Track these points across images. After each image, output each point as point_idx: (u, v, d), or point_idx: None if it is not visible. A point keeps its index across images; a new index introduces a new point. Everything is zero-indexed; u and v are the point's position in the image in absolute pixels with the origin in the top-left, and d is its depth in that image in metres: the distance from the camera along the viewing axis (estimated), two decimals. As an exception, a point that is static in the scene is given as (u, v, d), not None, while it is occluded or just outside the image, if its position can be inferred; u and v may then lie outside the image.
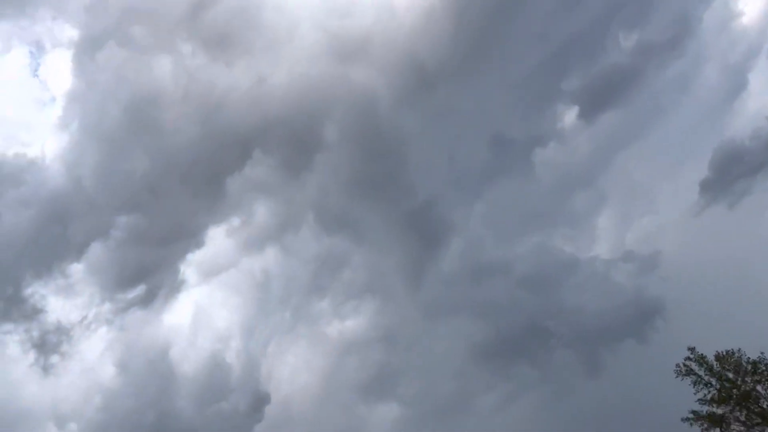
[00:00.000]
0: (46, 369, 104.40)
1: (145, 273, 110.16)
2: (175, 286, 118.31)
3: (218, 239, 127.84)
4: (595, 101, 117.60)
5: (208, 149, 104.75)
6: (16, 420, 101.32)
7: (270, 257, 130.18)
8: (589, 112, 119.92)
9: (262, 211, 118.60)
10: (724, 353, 34.48)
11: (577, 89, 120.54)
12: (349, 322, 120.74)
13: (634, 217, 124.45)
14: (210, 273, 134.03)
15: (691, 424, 34.76)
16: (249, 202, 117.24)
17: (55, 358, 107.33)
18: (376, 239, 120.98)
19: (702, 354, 35.07)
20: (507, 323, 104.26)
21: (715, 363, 34.63)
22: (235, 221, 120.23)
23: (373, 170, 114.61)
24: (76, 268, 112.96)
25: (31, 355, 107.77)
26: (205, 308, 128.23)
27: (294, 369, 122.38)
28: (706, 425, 34.02)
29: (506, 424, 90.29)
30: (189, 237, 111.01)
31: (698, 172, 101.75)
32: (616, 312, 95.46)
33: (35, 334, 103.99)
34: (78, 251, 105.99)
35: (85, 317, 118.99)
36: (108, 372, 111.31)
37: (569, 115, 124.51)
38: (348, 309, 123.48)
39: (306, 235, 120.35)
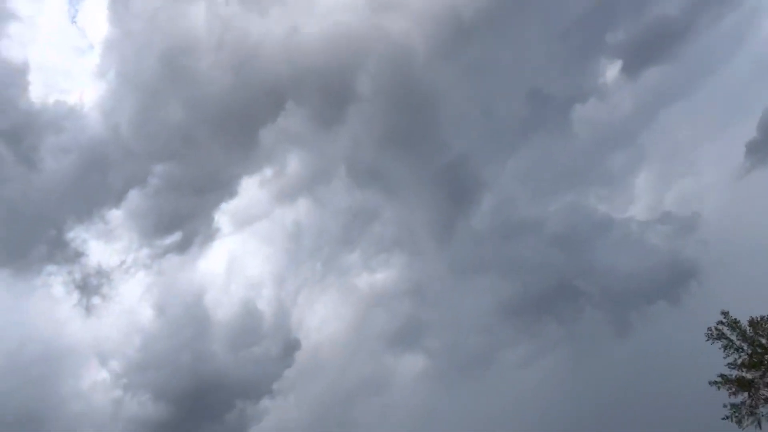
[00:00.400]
0: (88, 309, 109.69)
1: (181, 221, 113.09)
2: (210, 234, 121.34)
3: (251, 190, 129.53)
4: (641, 55, 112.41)
5: (241, 99, 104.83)
6: (63, 355, 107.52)
7: (302, 209, 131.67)
8: (633, 67, 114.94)
9: (294, 163, 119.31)
10: (759, 319, 33.43)
11: (622, 42, 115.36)
12: (378, 275, 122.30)
13: (674, 177, 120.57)
14: (243, 222, 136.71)
15: (718, 388, 34.21)
16: (282, 154, 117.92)
17: (96, 300, 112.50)
18: (407, 194, 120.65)
19: (735, 319, 34.12)
20: (536, 281, 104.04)
21: (748, 328, 33.66)
22: (268, 172, 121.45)
23: (406, 124, 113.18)
24: (116, 214, 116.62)
25: (75, 296, 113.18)
26: (239, 256, 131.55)
27: (323, 318, 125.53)
28: (734, 389, 33.39)
29: (530, 380, 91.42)
30: (223, 187, 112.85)
31: (745, 132, 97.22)
32: (649, 274, 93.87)
33: (77, 276, 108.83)
34: (117, 198, 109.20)
35: (124, 261, 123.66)
36: (146, 314, 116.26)
37: (612, 70, 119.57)
38: (377, 262, 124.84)
39: (337, 187, 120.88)
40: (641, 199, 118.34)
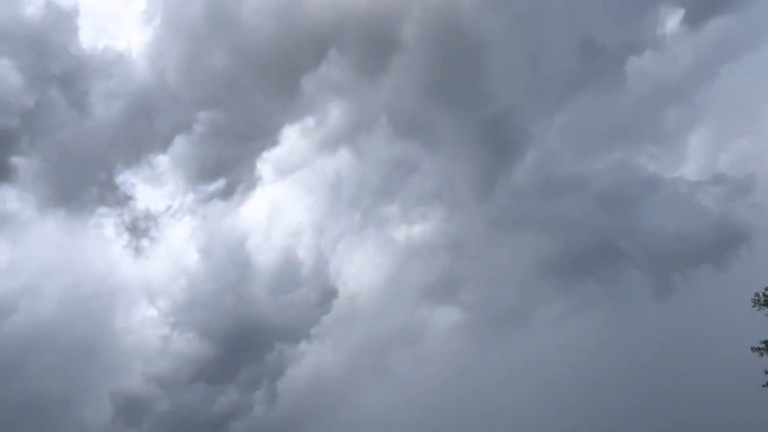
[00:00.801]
0: (137, 251, 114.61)
1: (225, 168, 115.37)
2: (252, 182, 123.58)
3: (293, 139, 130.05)
4: (704, 5, 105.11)
5: (284, 47, 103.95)
6: (114, 293, 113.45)
7: (342, 159, 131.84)
8: (695, 17, 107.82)
9: (336, 113, 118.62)
10: (809, 285, 32.00)
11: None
12: (416, 228, 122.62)
13: (731, 137, 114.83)
14: (285, 171, 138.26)
15: (761, 354, 33.27)
16: (323, 103, 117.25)
17: (145, 242, 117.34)
18: (449, 146, 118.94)
19: (785, 285, 32.76)
20: (576, 240, 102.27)
21: (797, 295, 32.33)
22: (310, 121, 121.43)
23: (451, 75, 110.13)
24: (162, 160, 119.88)
25: (125, 237, 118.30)
26: (280, 205, 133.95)
27: (361, 268, 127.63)
28: (777, 356, 32.47)
29: (565, 338, 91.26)
30: (265, 135, 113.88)
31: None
32: (696, 236, 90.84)
33: (127, 218, 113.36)
34: (163, 143, 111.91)
35: (170, 206, 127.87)
36: (192, 257, 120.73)
37: (672, 20, 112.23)
38: (416, 215, 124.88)
39: (378, 138, 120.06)
40: (694, 158, 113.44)
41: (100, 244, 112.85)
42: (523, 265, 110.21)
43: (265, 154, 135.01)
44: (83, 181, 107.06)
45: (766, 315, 33.25)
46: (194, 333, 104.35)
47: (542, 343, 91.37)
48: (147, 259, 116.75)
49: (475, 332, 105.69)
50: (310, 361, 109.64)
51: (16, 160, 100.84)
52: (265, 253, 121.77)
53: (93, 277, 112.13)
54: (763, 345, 33.28)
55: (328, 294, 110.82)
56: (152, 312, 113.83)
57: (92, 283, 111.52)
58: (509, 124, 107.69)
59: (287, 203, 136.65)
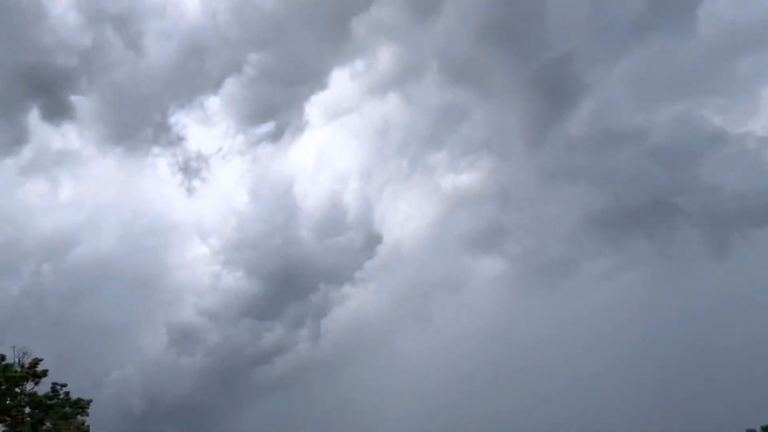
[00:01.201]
0: (190, 191, 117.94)
1: (274, 111, 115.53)
2: (300, 126, 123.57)
3: (342, 82, 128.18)
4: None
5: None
6: (169, 230, 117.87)
7: (391, 104, 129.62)
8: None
9: (386, 56, 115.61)
10: None
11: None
12: (463, 177, 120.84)
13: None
14: (333, 115, 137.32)
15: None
16: (373, 46, 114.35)
17: (196, 182, 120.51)
18: (501, 93, 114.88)
19: None
20: (630, 194, 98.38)
21: None
22: (359, 65, 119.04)
23: (506, 18, 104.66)
24: (214, 101, 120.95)
25: (178, 177, 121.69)
26: (327, 149, 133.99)
27: (406, 215, 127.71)
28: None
29: (613, 294, 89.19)
30: (314, 78, 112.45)
31: None
32: (761, 195, 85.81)
33: (180, 159, 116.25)
34: (215, 85, 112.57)
35: (221, 148, 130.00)
36: (241, 198, 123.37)
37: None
38: (464, 163, 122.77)
39: (429, 83, 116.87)
40: (765, 113, 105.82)
41: (155, 183, 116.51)
42: (572, 217, 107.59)
43: (314, 98, 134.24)
44: (138, 121, 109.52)
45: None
46: (243, 271, 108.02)
47: (589, 299, 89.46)
48: (199, 198, 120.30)
49: (519, 284, 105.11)
50: (353, 304, 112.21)
51: (76, 99, 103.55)
52: (311, 197, 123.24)
53: (149, 214, 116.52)
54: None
55: (373, 239, 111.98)
56: (204, 250, 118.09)
57: (148, 220, 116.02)
58: (566, 71, 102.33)
59: (334, 148, 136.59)
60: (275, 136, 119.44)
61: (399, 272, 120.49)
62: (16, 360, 25.55)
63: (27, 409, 25.18)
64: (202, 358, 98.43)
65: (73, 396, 26.50)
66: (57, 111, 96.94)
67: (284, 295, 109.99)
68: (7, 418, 24.64)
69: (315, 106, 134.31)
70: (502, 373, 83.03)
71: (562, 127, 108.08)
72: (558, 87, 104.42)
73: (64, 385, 26.38)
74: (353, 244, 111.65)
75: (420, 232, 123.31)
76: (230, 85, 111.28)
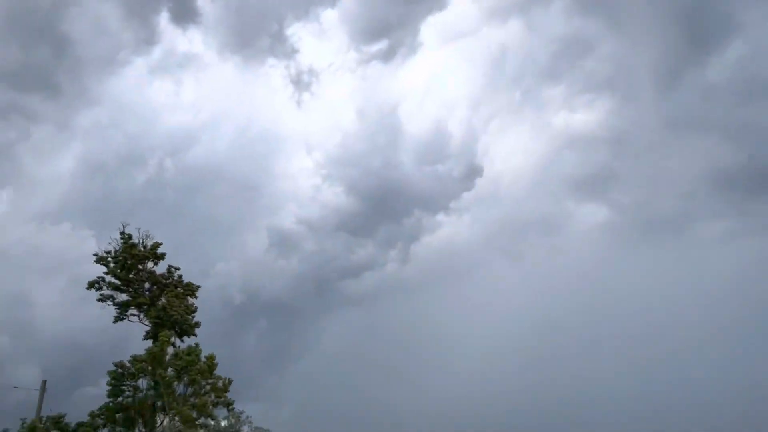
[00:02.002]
0: (299, 104, 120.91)
1: (389, 29, 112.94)
2: (414, 47, 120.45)
3: (462, 4, 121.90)
4: None
5: None
6: (277, 141, 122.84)
7: (511, 30, 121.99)
8: None
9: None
10: None
11: None
12: (578, 116, 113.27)
13: None
14: (448, 38, 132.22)
15: None
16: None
17: (306, 96, 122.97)
18: (635, 28, 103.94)
19: None
20: (766, 154, 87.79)
21: None
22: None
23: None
24: (330, 15, 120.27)
25: (290, 89, 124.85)
26: (438, 73, 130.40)
27: (511, 150, 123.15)
28: None
29: (730, 260, 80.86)
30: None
31: None
32: None
33: (293, 71, 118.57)
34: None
35: (332, 63, 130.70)
36: (348, 116, 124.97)
37: None
38: (581, 101, 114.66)
39: (556, 10, 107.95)
40: None
41: (268, 93, 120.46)
42: (694, 172, 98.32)
43: (431, 18, 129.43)
44: (257, 30, 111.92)
45: None
46: (342, 187, 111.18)
47: (702, 263, 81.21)
48: (307, 112, 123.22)
49: (623, 236, 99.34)
50: (445, 233, 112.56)
51: (202, 4, 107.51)
52: (416, 121, 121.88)
53: (260, 122, 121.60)
54: None
55: (473, 171, 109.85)
56: (308, 162, 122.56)
57: (259, 128, 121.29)
58: (715, 7, 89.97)
59: (445, 72, 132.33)
60: (387, 56, 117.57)
61: (495, 207, 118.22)
62: (140, 241, 28.21)
63: (146, 285, 28.05)
64: (296, 263, 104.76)
65: (185, 280, 29.02)
66: (185, 14, 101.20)
67: (379, 216, 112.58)
68: (129, 289, 27.68)
69: (431, 27, 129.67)
70: (591, 328, 79.62)
71: (700, 72, 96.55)
72: (703, 25, 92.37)
73: (178, 269, 28.94)
74: (452, 173, 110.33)
75: (523, 168, 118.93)
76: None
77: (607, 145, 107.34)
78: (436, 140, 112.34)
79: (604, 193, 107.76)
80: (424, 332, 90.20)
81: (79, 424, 24.89)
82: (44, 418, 24.84)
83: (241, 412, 40.52)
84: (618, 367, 70.23)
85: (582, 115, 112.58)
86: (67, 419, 25.23)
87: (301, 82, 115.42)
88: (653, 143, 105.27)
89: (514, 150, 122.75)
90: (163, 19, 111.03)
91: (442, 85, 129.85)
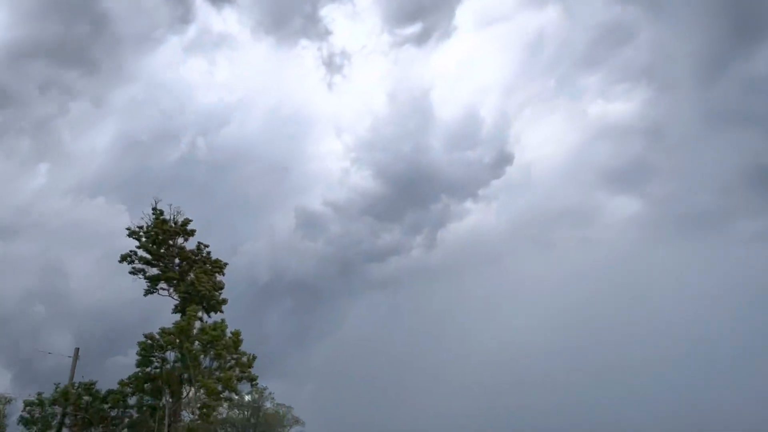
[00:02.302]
0: (330, 86, 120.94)
1: (423, 11, 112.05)
2: (448, 31, 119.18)
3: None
4: None
5: None
6: (307, 122, 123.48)
7: (549, 16, 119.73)
8: None
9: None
10: None
11: None
12: (615, 105, 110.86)
13: None
14: (483, 22, 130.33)
15: None
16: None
17: (338, 78, 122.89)
18: (678, 15, 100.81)
19: None
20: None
21: None
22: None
23: None
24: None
25: (321, 71, 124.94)
26: (471, 58, 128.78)
27: (543, 138, 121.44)
28: None
29: (765, 258, 78.81)
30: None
31: None
32: None
33: (325, 53, 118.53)
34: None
35: (365, 46, 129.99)
36: (378, 99, 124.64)
37: None
38: (618, 91, 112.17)
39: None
40: None
41: (299, 75, 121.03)
42: (734, 167, 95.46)
43: (467, 2, 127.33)
44: (291, 11, 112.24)
45: None
46: (370, 171, 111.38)
47: (740, 262, 78.80)
48: (338, 94, 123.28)
49: (656, 230, 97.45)
50: (473, 220, 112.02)
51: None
52: (447, 106, 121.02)
53: (292, 103, 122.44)
54: None
55: (503, 158, 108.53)
56: (337, 145, 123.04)
57: (290, 110, 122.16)
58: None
59: (479, 58, 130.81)
60: (420, 39, 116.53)
61: (525, 195, 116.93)
62: (171, 217, 28.74)
63: (176, 260, 28.63)
64: (323, 245, 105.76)
65: (213, 257, 29.51)
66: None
67: (406, 201, 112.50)
68: (160, 264, 28.30)
69: (466, 11, 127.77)
70: (620, 321, 78.51)
71: (746, 63, 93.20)
72: (752, 15, 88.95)
73: (207, 246, 29.43)
74: (482, 160, 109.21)
75: (555, 157, 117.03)
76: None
77: (642, 136, 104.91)
78: (468, 126, 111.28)
79: (638, 185, 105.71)
80: (448, 318, 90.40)
81: (110, 392, 25.75)
82: (77, 384, 25.73)
83: (264, 388, 41.40)
84: (646, 362, 69.15)
85: (618, 105, 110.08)
86: (97, 386, 26.12)
87: (333, 64, 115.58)
88: (691, 135, 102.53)
89: (547, 138, 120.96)
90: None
91: (476, 70, 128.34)
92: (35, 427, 25.66)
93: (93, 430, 26.03)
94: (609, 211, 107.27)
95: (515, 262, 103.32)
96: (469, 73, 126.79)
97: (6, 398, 22.99)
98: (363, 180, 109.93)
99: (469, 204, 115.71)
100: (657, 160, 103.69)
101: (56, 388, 25.61)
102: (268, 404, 41.18)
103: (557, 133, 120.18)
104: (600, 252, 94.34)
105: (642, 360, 69.66)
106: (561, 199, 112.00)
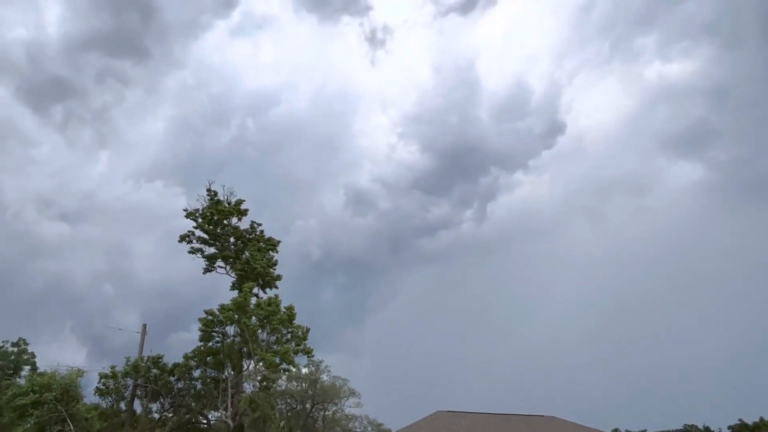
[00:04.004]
0: (373, 62, 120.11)
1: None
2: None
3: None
4: None
5: None
6: (353, 99, 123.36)
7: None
8: None
9: None
10: None
11: None
12: (673, 66, 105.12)
13: None
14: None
15: None
16: None
17: (381, 53, 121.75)
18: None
19: None
20: None
21: None
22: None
23: None
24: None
25: (364, 48, 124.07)
26: (519, 24, 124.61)
27: (597, 105, 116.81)
28: None
29: None
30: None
31: None
32: None
33: (367, 29, 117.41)
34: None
35: (407, 20, 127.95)
36: (423, 72, 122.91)
37: None
38: (677, 50, 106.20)
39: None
40: None
41: (343, 52, 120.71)
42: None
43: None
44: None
45: None
46: (417, 145, 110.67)
47: None
48: (382, 70, 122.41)
49: (721, 196, 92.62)
50: (523, 192, 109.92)
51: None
52: (495, 76, 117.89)
53: (337, 81, 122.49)
54: None
55: (555, 128, 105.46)
56: (383, 120, 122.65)
57: (336, 87, 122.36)
58: None
59: (527, 23, 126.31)
60: (465, 7, 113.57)
61: (578, 165, 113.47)
62: (225, 197, 29.64)
63: (231, 239, 29.59)
64: (372, 221, 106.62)
65: (266, 235, 30.32)
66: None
67: (454, 174, 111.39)
68: (216, 243, 29.35)
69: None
70: (681, 296, 75.62)
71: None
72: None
73: (260, 224, 30.26)
74: (533, 130, 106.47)
75: (610, 124, 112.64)
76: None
77: (704, 97, 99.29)
78: (516, 96, 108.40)
79: (700, 149, 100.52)
80: (499, 290, 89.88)
81: (176, 365, 27.17)
82: (145, 358, 27.26)
83: (321, 361, 42.54)
84: (710, 342, 66.37)
85: (677, 65, 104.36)
86: (164, 360, 27.60)
87: (375, 40, 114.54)
88: (757, 96, 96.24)
89: (601, 105, 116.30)
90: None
91: (524, 37, 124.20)
92: (110, 398, 27.47)
93: (162, 400, 27.65)
94: (669, 178, 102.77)
95: (567, 234, 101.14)
96: (517, 40, 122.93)
97: (80, 371, 24.66)
98: (410, 154, 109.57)
99: (519, 175, 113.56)
100: (721, 123, 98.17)
101: (127, 361, 27.18)
102: (324, 377, 42.34)
103: (612, 99, 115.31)
104: (659, 221, 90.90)
105: (704, 337, 67.19)
106: (617, 167, 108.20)
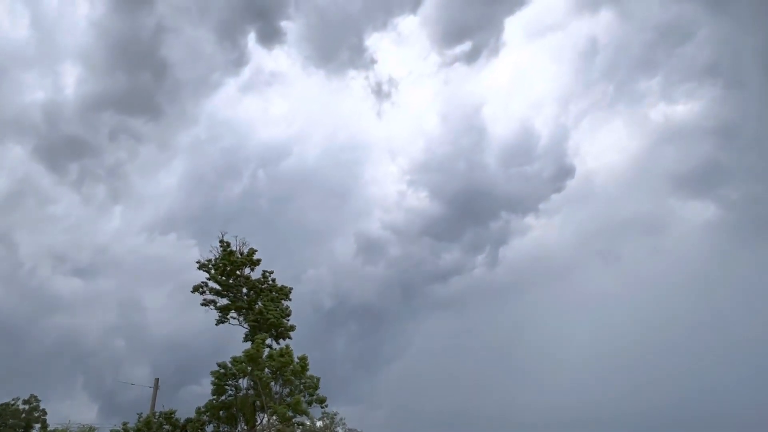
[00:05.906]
0: (380, 114, 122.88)
1: (472, 29, 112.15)
2: (497, 47, 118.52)
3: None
4: None
5: None
6: (362, 149, 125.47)
7: (603, 21, 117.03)
8: None
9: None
10: None
11: None
12: (678, 107, 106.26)
13: None
14: (533, 34, 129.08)
15: None
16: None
17: (386, 105, 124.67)
18: (739, 8, 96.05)
19: None
20: None
21: None
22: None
23: None
24: (411, 21, 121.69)
25: (370, 100, 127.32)
26: (524, 72, 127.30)
27: (605, 148, 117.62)
28: None
29: None
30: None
31: None
32: None
33: (372, 81, 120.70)
34: (414, 3, 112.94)
35: (412, 71, 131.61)
36: (430, 120, 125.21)
37: None
38: (681, 92, 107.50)
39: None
40: None
41: (351, 104, 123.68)
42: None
43: (515, 15, 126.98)
44: (337, 44, 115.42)
45: None
46: (427, 192, 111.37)
47: None
48: (388, 122, 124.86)
49: (734, 236, 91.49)
50: (535, 235, 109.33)
51: (286, 24, 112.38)
52: (502, 122, 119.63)
53: (346, 132, 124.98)
54: None
55: (563, 171, 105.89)
56: (392, 168, 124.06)
57: (345, 138, 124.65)
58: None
59: (532, 70, 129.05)
60: (470, 57, 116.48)
61: (589, 207, 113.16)
62: (238, 248, 29.85)
63: (244, 290, 29.61)
64: (384, 268, 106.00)
65: (278, 284, 30.29)
66: (270, 35, 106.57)
67: (465, 220, 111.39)
68: (229, 294, 29.37)
69: (516, 24, 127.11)
70: (699, 335, 73.64)
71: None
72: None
73: (272, 272, 30.29)
74: (541, 174, 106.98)
75: (618, 166, 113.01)
76: (429, 2, 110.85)
77: (711, 136, 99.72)
78: (524, 140, 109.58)
79: (711, 188, 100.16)
80: (516, 336, 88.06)
81: (188, 420, 26.71)
82: (157, 413, 26.87)
83: (335, 413, 41.59)
84: (728, 380, 64.21)
85: (682, 106, 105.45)
86: (176, 415, 27.17)
87: (380, 92, 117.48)
88: (764, 132, 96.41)
89: (608, 147, 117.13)
90: (251, 41, 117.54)
91: (529, 83, 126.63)
92: (122, 455, 26.93)
93: (174, 457, 27.05)
94: (681, 218, 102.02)
95: (581, 277, 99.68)
96: (522, 86, 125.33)
97: (92, 429, 24.30)
98: (420, 201, 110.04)
99: (530, 219, 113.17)
100: (729, 161, 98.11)
101: (139, 417, 26.81)
102: (339, 430, 41.27)
103: (619, 141, 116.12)
104: (673, 261, 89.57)
105: (723, 375, 65.04)
106: (628, 208, 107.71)
